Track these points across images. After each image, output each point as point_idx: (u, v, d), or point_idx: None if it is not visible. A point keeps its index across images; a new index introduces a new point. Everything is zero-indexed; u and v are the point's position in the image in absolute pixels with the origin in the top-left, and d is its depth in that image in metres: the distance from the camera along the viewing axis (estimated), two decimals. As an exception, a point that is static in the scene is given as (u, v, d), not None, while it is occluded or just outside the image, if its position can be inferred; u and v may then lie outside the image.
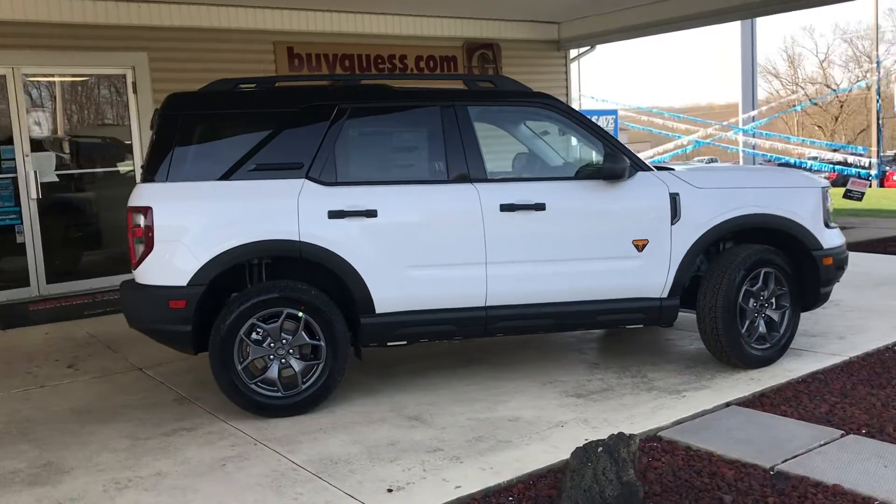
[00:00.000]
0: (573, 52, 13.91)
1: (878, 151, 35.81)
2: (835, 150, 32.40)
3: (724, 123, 29.19)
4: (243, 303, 4.72)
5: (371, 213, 4.86)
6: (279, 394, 4.84)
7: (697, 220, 5.21)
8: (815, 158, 30.09)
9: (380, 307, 4.93)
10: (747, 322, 5.29)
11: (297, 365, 4.85)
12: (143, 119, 9.43)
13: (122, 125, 9.86)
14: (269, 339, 4.79)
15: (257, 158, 4.88)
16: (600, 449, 3.34)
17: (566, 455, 4.00)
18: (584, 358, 5.86)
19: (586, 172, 5.17)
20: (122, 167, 9.95)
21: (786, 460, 3.92)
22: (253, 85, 5.18)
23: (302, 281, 4.87)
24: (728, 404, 4.77)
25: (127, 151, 9.85)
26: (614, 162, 5.03)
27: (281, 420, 4.80)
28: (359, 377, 5.52)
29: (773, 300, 5.39)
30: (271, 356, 4.82)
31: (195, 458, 4.30)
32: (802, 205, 5.42)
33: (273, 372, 4.83)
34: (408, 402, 5.05)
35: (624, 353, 5.93)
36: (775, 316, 5.41)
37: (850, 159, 31.66)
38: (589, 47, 14.01)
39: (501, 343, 6.29)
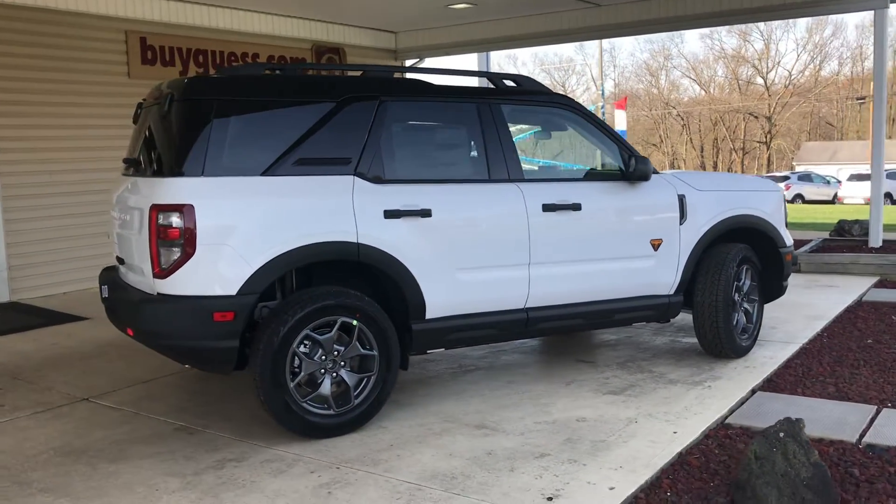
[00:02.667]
0: (409, 63, 14.01)
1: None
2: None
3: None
4: (297, 312, 4.22)
5: (426, 213, 4.57)
6: (331, 412, 4.38)
7: (699, 220, 5.53)
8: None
9: (430, 312, 4.66)
10: (736, 315, 5.71)
11: (350, 378, 4.43)
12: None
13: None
14: (319, 351, 4.33)
15: (300, 152, 4.38)
16: (782, 434, 3.45)
17: (677, 448, 4.12)
18: (579, 358, 5.94)
19: (618, 173, 5.27)
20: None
21: (862, 434, 4.30)
22: (278, 72, 4.65)
23: (337, 285, 4.46)
24: (753, 391, 5.10)
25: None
26: (644, 164, 5.19)
27: (336, 440, 4.34)
28: None
29: (748, 294, 5.86)
30: (322, 370, 4.35)
31: (287, 489, 3.76)
32: (773, 206, 5.97)
33: (326, 388, 4.36)
34: (453, 411, 4.80)
35: (607, 351, 6.10)
36: (750, 308, 5.89)
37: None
38: (417, 59, 14.18)
39: (480, 350, 6.19)
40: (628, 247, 5.28)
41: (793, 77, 65.92)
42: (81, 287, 9.15)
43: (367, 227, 4.41)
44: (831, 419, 4.55)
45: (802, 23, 64.04)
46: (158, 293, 4.19)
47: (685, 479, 3.84)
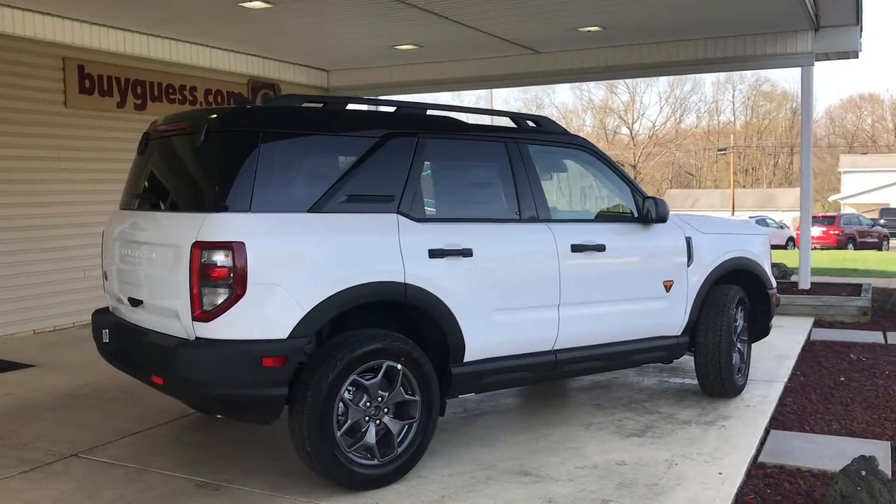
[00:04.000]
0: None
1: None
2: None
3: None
4: (346, 356, 3.99)
5: (467, 253, 4.46)
6: (375, 461, 4.15)
7: (704, 262, 5.66)
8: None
9: (469, 355, 4.52)
10: (735, 355, 5.85)
11: (393, 426, 4.22)
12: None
13: None
14: (364, 397, 4.11)
15: (345, 189, 4.19)
16: (864, 472, 3.52)
17: (731, 489, 4.15)
18: (583, 400, 5.91)
19: (632, 215, 5.32)
20: None
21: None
22: (320, 105, 4.45)
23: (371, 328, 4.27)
24: (767, 430, 5.22)
25: None
26: (663, 206, 5.27)
27: (383, 493, 4.11)
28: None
29: (740, 335, 6.02)
30: (366, 417, 4.13)
31: (359, 547, 3.52)
32: (761, 248, 6.18)
33: (371, 436, 4.14)
34: (486, 458, 4.65)
35: (608, 394, 6.09)
36: (742, 348, 6.05)
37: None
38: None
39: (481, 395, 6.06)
40: (645, 288, 5.33)
41: (656, 128, 69.90)
42: (17, 330, 8.41)
43: (413, 266, 4.26)
44: (851, 457, 4.69)
45: (665, 78, 68.00)
46: (198, 337, 3.87)
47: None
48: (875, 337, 8.43)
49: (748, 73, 65.97)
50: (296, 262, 3.95)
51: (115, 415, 5.55)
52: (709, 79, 71.08)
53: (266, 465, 4.51)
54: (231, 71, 11.25)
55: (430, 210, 4.53)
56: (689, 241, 5.58)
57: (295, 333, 3.90)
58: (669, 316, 5.49)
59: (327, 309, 3.98)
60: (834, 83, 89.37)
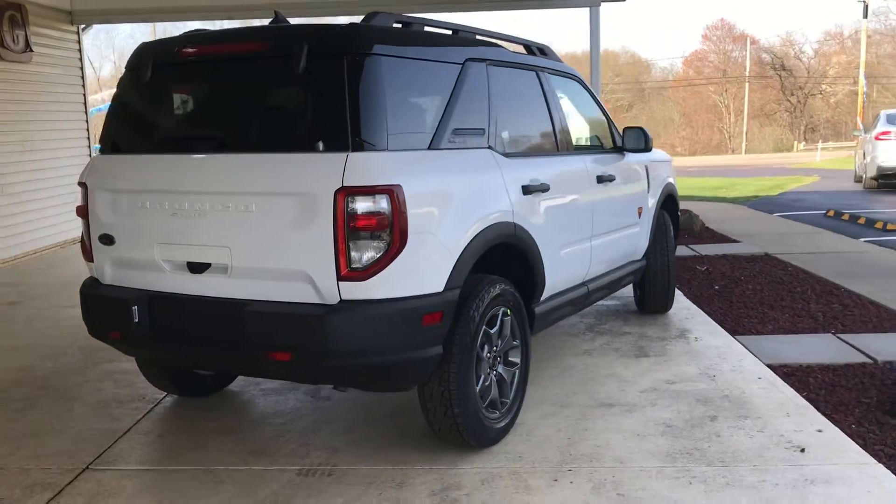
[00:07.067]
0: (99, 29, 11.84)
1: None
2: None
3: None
4: (479, 305, 3.64)
5: (545, 188, 4.26)
6: (497, 414, 3.89)
7: (654, 190, 5.99)
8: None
9: (546, 293, 4.38)
10: (671, 273, 6.33)
11: (506, 374, 3.97)
12: None
13: None
14: (486, 348, 3.81)
15: (451, 122, 3.73)
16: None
17: (786, 388, 4.58)
18: (548, 331, 5.98)
19: (633, 146, 5.39)
20: None
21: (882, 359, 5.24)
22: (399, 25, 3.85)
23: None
24: (733, 336, 5.79)
25: None
26: (649, 137, 5.44)
27: (509, 444, 3.87)
28: (390, 419, 4.26)
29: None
30: (488, 369, 3.84)
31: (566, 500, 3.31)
32: (673, 173, 6.66)
33: (494, 388, 3.86)
34: (545, 396, 4.52)
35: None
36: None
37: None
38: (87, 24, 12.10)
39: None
40: (631, 216, 5.53)
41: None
42: None
43: (516, 205, 3.97)
44: (826, 348, 5.45)
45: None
46: (343, 300, 3.26)
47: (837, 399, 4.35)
48: (688, 251, 9.60)
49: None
50: (442, 205, 3.49)
51: (71, 414, 4.44)
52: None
53: (347, 442, 3.96)
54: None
55: (511, 144, 4.25)
56: (647, 169, 5.87)
57: (449, 285, 3.46)
58: (641, 241, 5.77)
59: (470, 256, 3.58)
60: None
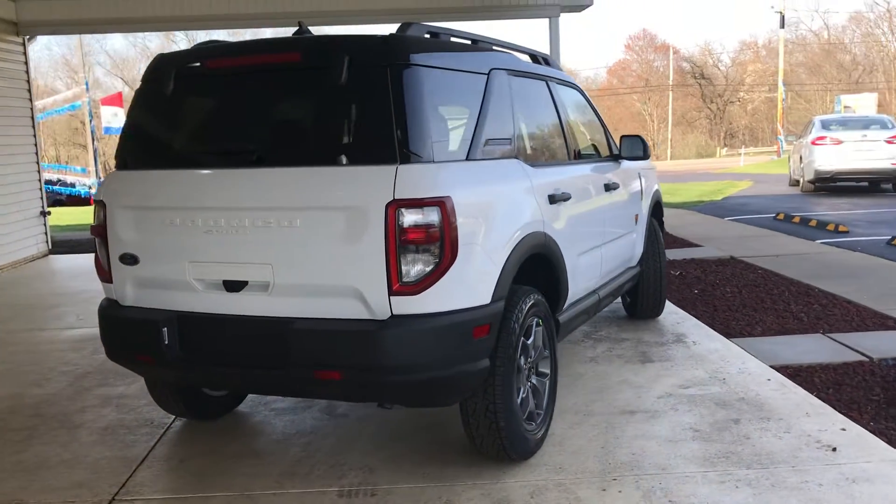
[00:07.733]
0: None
1: (96, 171, 36.59)
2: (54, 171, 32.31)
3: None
4: (518, 317, 3.61)
5: (567, 197, 4.26)
6: (533, 426, 3.86)
7: (647, 197, 6.07)
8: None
9: (568, 302, 4.38)
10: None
11: (540, 385, 3.95)
12: None
13: None
14: (523, 359, 3.78)
15: (483, 133, 3.70)
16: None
17: (798, 388, 4.68)
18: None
19: (630, 154, 5.41)
20: None
21: (863, 354, 5.40)
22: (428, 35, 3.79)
23: None
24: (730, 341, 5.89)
25: None
26: (647, 145, 5.50)
27: (546, 456, 3.85)
28: (420, 434, 4.22)
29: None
30: (525, 380, 3.82)
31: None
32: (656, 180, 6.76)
33: (531, 400, 3.84)
34: (567, 405, 4.53)
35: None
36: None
37: (71, 179, 32.33)
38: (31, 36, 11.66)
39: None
40: (630, 222, 5.58)
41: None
42: None
43: (545, 215, 3.97)
44: (821, 348, 5.59)
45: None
46: (394, 315, 3.19)
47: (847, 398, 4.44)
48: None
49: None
50: (487, 216, 3.45)
51: (79, 443, 4.23)
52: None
53: (381, 460, 3.87)
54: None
55: (533, 153, 4.25)
56: (639, 175, 5.94)
57: (495, 296, 3.43)
58: (637, 247, 5.83)
59: (512, 266, 3.55)
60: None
